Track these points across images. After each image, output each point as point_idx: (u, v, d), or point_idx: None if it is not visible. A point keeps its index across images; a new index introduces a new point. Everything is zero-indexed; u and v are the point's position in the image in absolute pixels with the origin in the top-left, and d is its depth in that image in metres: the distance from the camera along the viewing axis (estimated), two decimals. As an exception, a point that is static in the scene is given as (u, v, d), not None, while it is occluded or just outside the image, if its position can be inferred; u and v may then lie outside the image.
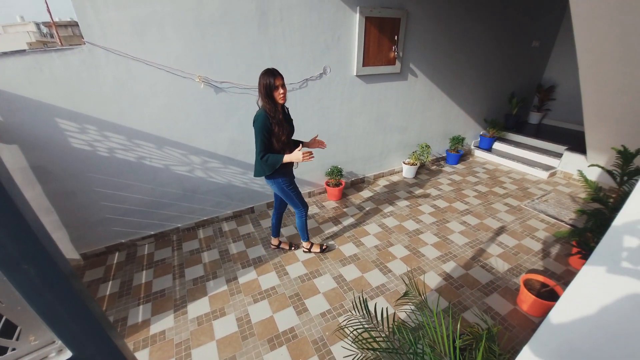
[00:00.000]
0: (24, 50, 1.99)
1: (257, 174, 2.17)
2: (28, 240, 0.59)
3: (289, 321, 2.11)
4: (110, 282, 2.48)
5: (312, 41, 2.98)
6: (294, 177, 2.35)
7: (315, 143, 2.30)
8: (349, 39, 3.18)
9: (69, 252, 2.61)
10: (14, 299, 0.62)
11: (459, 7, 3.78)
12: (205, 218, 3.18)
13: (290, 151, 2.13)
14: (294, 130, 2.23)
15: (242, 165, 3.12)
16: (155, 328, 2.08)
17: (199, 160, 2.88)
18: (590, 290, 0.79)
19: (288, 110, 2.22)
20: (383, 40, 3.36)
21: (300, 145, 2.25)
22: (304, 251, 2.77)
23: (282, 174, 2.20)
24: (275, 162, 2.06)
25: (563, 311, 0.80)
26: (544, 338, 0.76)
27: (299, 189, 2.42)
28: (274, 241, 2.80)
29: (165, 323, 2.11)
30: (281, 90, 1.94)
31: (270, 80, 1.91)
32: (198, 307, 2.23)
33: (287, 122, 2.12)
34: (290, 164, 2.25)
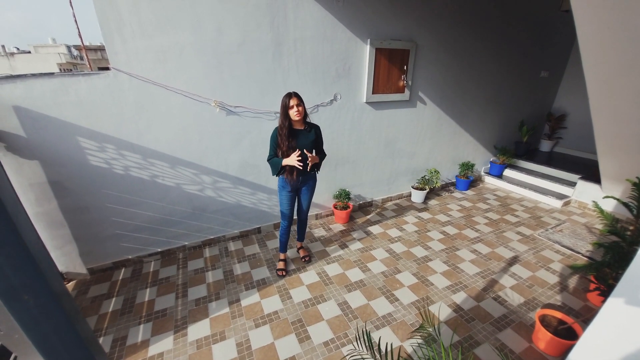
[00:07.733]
0: (52, 74, 2.13)
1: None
2: (30, 271, 0.60)
3: (290, 349, 2.04)
4: (114, 299, 2.47)
5: (323, 70, 3.10)
6: (291, 186, 2.47)
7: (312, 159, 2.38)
8: (359, 68, 3.30)
9: (77, 266, 2.64)
10: (12, 327, 0.62)
11: (468, 38, 3.90)
12: (212, 237, 3.19)
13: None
14: (309, 144, 2.37)
15: (251, 186, 3.17)
16: (153, 349, 2.04)
17: (209, 180, 2.94)
18: (609, 334, 0.75)
19: (310, 129, 2.40)
20: (392, 70, 3.47)
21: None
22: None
23: (282, 176, 2.46)
24: (274, 164, 2.37)
25: (581, 356, 0.76)
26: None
27: (294, 202, 2.59)
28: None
29: (164, 344, 2.07)
30: (295, 109, 2.21)
31: (286, 100, 2.22)
32: (198, 329, 2.19)
33: (293, 137, 2.32)
34: (290, 169, 2.37)
